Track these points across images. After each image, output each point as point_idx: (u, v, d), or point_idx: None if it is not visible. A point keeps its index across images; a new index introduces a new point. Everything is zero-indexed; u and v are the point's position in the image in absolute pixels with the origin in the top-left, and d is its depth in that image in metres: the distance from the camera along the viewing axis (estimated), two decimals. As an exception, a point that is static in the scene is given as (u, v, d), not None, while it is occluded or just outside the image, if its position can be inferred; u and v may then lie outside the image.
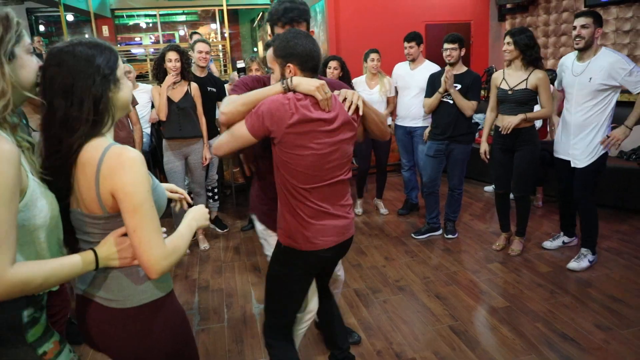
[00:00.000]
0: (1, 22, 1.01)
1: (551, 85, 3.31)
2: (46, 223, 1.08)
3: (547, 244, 3.49)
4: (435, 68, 3.99)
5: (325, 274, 2.01)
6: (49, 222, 1.09)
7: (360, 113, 1.70)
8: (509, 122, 3.11)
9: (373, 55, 4.17)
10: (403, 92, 4.21)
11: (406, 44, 4.04)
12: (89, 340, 1.27)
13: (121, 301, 1.20)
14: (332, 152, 1.63)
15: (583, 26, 2.87)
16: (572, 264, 3.14)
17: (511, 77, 3.19)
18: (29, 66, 1.09)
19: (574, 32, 2.92)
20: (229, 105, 1.63)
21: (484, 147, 3.43)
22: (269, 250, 1.96)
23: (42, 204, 1.07)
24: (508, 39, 3.12)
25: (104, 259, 1.13)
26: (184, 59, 3.41)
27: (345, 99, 1.68)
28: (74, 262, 1.09)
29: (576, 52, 3.01)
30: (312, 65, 1.62)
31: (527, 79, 3.10)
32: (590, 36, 2.88)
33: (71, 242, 1.22)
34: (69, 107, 1.10)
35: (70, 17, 9.81)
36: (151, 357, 1.25)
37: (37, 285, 1.00)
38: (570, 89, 3.03)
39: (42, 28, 10.47)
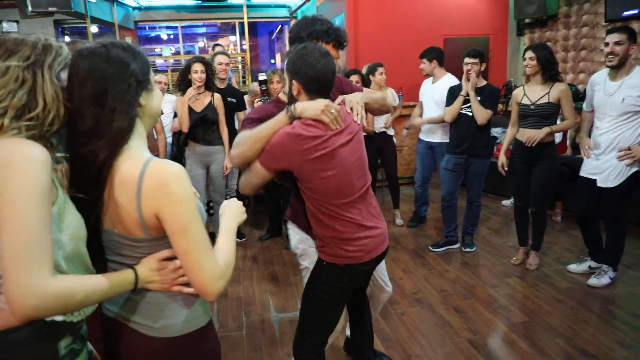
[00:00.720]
0: (47, 48, 1.01)
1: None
2: (71, 243, 0.98)
3: (573, 267, 3.37)
4: (455, 81, 4.03)
5: (360, 289, 2.00)
6: (75, 244, 0.99)
7: (361, 122, 1.70)
8: (535, 135, 3.10)
9: (381, 69, 4.29)
10: (425, 107, 4.26)
11: (421, 60, 4.13)
12: None
13: (162, 329, 1.07)
14: (354, 162, 1.63)
15: (617, 43, 2.80)
16: (593, 280, 3.11)
17: (532, 92, 3.20)
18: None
19: (606, 49, 2.85)
20: (240, 146, 1.59)
21: (502, 159, 3.43)
22: (307, 261, 1.95)
23: (69, 219, 0.98)
24: (530, 53, 3.13)
25: (143, 280, 1.05)
26: (209, 70, 3.51)
27: (352, 109, 1.69)
28: (116, 280, 1.00)
29: (608, 69, 2.96)
30: (317, 88, 1.57)
31: (549, 93, 3.11)
32: (625, 53, 2.81)
33: (97, 263, 1.09)
34: (100, 115, 0.99)
35: (94, 29, 10.11)
36: None
37: (78, 300, 0.91)
38: (603, 108, 2.96)
39: (67, 39, 10.79)
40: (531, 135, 3.13)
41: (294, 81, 1.58)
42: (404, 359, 2.45)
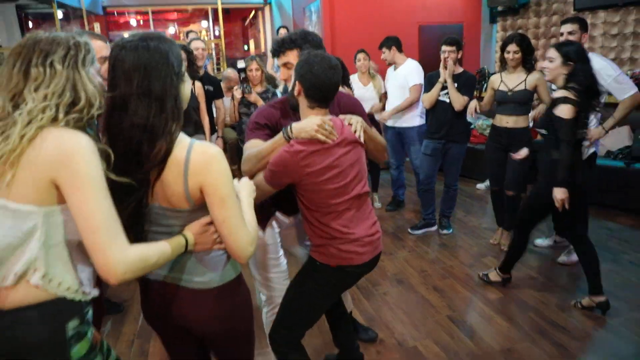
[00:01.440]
0: (77, 46, 1.08)
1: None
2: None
3: (539, 241, 3.61)
4: (416, 64, 4.17)
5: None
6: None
7: (361, 140, 1.71)
8: (537, 111, 3.37)
9: (359, 56, 4.41)
10: (389, 93, 4.38)
11: (381, 51, 4.24)
12: (173, 322, 1.32)
13: (205, 282, 1.27)
14: (350, 165, 1.68)
15: (570, 32, 2.98)
16: (562, 258, 3.29)
17: (509, 79, 3.33)
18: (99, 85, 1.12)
19: (561, 39, 3.02)
20: (247, 163, 1.71)
21: (474, 104, 3.52)
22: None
23: None
24: (515, 47, 3.24)
25: (191, 243, 1.20)
26: (190, 57, 3.48)
27: (350, 123, 1.72)
28: (174, 245, 1.15)
29: None
30: (318, 96, 1.62)
31: (525, 80, 3.26)
32: (577, 42, 2.98)
33: (138, 235, 1.19)
34: (150, 108, 1.09)
35: (60, 15, 9.75)
36: (242, 329, 1.39)
37: (152, 263, 1.07)
38: None
39: (31, 25, 10.37)
40: (534, 114, 3.37)
41: (297, 82, 1.64)
42: (388, 336, 2.55)
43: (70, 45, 1.06)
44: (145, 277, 1.29)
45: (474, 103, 3.53)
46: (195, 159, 1.13)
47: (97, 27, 9.37)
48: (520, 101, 3.28)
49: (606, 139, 3.84)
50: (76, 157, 0.98)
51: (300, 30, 1.90)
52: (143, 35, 1.12)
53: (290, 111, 1.82)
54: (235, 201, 1.20)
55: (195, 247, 1.21)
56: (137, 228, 1.19)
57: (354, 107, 1.97)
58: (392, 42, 4.19)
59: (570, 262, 3.26)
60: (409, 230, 4.01)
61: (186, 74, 1.21)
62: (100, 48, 1.90)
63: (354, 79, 4.42)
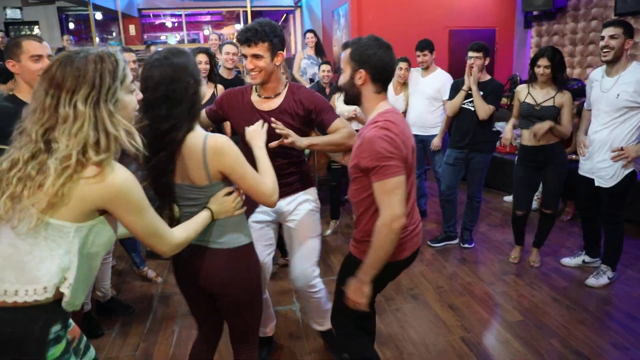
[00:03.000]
0: (102, 78, 1.15)
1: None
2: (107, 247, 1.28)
3: (566, 260, 3.39)
4: (447, 76, 4.02)
5: None
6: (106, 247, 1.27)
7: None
8: (540, 127, 3.04)
9: (402, 65, 4.21)
10: (413, 99, 4.21)
11: (419, 53, 4.04)
12: (197, 281, 1.60)
13: (227, 243, 1.58)
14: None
15: (612, 37, 2.75)
16: (591, 280, 3.08)
17: (538, 93, 3.14)
18: (129, 106, 1.23)
19: (602, 43, 2.81)
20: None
21: (507, 136, 3.42)
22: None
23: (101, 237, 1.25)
24: (546, 61, 3.03)
25: (216, 213, 1.50)
26: (212, 61, 3.47)
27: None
28: (203, 218, 1.47)
29: (605, 66, 2.91)
30: (384, 79, 1.65)
31: (554, 97, 3.07)
32: (620, 47, 2.76)
33: (166, 209, 1.54)
34: (170, 109, 1.43)
35: (98, 16, 10.06)
36: (248, 288, 1.63)
37: (192, 237, 1.42)
38: (598, 104, 2.91)
39: (71, 26, 10.76)
40: (536, 127, 3.07)
41: (361, 70, 1.61)
42: (396, 356, 2.44)
43: (96, 80, 1.13)
44: None
45: (510, 132, 3.40)
46: (210, 148, 1.44)
47: (132, 28, 9.62)
48: (547, 117, 3.06)
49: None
50: (124, 190, 1.16)
51: (268, 22, 1.92)
52: (167, 53, 1.46)
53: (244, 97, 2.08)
54: (250, 169, 1.51)
55: (218, 215, 1.52)
56: (169, 201, 1.54)
57: (315, 100, 2.01)
58: (433, 46, 4.04)
59: (599, 285, 3.04)
60: (429, 242, 3.86)
61: (202, 79, 1.51)
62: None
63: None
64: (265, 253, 2.15)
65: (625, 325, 2.62)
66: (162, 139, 1.44)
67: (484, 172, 3.65)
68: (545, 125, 3.03)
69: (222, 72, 3.84)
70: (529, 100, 3.16)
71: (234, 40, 3.78)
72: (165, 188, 1.52)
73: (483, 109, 3.40)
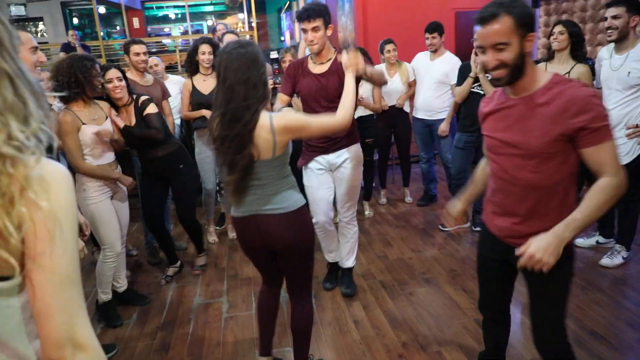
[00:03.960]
0: None
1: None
2: None
3: (580, 241, 3.35)
4: (457, 60, 3.96)
5: None
6: None
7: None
8: None
9: (388, 47, 4.16)
10: (421, 83, 4.17)
11: (428, 35, 3.98)
12: (263, 243, 1.87)
13: (289, 207, 1.84)
14: None
15: (614, 17, 2.71)
16: (605, 260, 3.06)
17: (554, 69, 3.08)
18: None
19: (605, 24, 2.77)
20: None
21: None
22: None
23: None
24: (560, 27, 2.97)
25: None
26: (216, 51, 3.46)
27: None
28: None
29: (612, 44, 2.86)
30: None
31: (569, 73, 2.98)
32: (624, 26, 2.70)
33: (242, 186, 1.81)
34: (248, 91, 1.67)
35: (102, 10, 10.04)
36: (307, 244, 1.92)
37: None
38: (609, 83, 2.86)
39: (75, 21, 10.76)
40: None
41: (532, 33, 1.39)
42: (411, 339, 2.46)
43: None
44: (240, 216, 1.87)
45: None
46: (276, 124, 1.71)
47: (136, 21, 9.60)
48: None
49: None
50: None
51: (319, 2, 2.48)
52: (241, 43, 1.72)
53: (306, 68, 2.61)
54: (314, 122, 1.79)
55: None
56: (245, 180, 1.78)
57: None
58: (442, 29, 3.98)
59: (613, 265, 3.03)
60: (440, 226, 3.86)
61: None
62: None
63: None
64: (327, 194, 2.77)
65: (641, 304, 2.62)
66: (241, 119, 1.68)
67: (495, 155, 3.61)
68: None
69: None
70: None
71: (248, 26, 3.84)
72: (244, 160, 1.73)
73: None
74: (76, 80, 2.45)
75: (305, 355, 2.12)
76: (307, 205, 1.93)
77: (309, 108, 2.57)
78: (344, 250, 2.97)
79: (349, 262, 2.98)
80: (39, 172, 0.71)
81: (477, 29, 1.43)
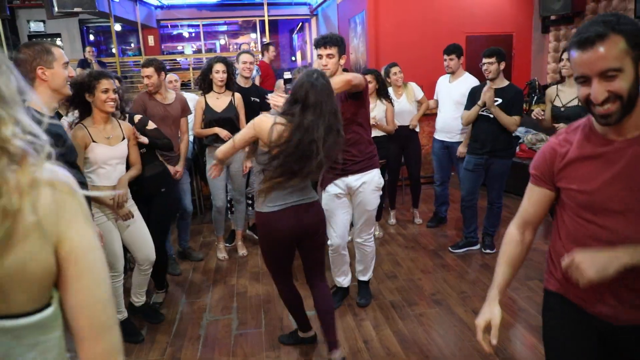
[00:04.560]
0: None
1: None
2: None
3: None
4: (474, 81, 3.99)
5: None
6: None
7: None
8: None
9: (394, 70, 4.23)
10: (442, 105, 4.22)
11: (446, 57, 4.04)
12: (301, 230, 2.23)
13: (314, 197, 2.28)
14: None
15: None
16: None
17: (564, 94, 3.13)
18: None
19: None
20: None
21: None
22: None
23: None
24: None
25: None
26: (230, 70, 3.54)
27: None
28: None
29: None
30: None
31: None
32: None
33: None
34: (333, 116, 2.07)
35: (118, 27, 10.29)
36: (324, 227, 2.42)
37: None
38: None
39: (91, 37, 11.02)
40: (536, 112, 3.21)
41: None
42: (422, 360, 2.45)
43: None
44: (277, 209, 2.16)
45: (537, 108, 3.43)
46: None
47: (151, 39, 9.82)
48: (573, 118, 3.04)
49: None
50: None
51: (336, 34, 2.74)
52: (318, 73, 2.09)
53: None
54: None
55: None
56: (314, 175, 2.24)
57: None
58: (462, 51, 4.05)
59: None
60: (450, 248, 3.86)
61: None
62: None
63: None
64: (345, 218, 2.88)
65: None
66: (331, 133, 2.07)
67: (504, 177, 3.64)
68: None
69: (239, 80, 3.90)
70: (557, 102, 3.14)
71: (270, 48, 4.07)
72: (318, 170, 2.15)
73: (510, 123, 3.40)
74: (79, 97, 2.46)
75: (335, 334, 2.38)
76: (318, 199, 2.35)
77: None
78: (360, 266, 3.08)
79: (365, 277, 3.10)
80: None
81: (576, 54, 1.14)
